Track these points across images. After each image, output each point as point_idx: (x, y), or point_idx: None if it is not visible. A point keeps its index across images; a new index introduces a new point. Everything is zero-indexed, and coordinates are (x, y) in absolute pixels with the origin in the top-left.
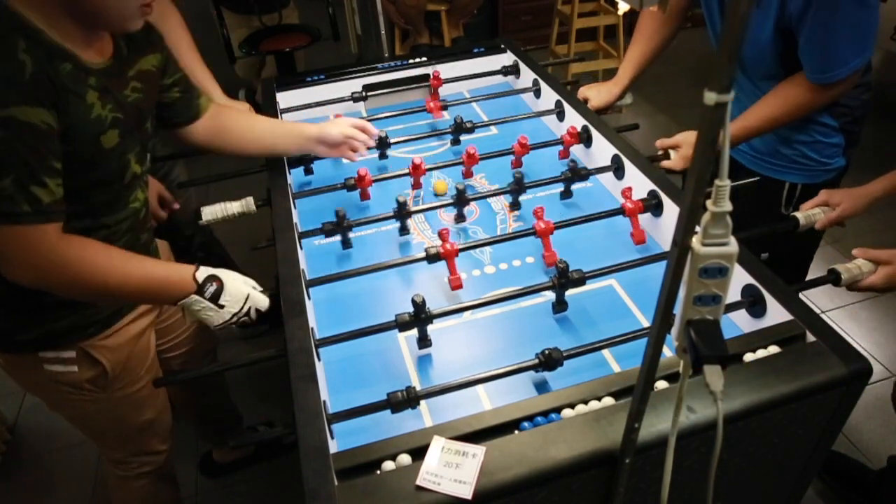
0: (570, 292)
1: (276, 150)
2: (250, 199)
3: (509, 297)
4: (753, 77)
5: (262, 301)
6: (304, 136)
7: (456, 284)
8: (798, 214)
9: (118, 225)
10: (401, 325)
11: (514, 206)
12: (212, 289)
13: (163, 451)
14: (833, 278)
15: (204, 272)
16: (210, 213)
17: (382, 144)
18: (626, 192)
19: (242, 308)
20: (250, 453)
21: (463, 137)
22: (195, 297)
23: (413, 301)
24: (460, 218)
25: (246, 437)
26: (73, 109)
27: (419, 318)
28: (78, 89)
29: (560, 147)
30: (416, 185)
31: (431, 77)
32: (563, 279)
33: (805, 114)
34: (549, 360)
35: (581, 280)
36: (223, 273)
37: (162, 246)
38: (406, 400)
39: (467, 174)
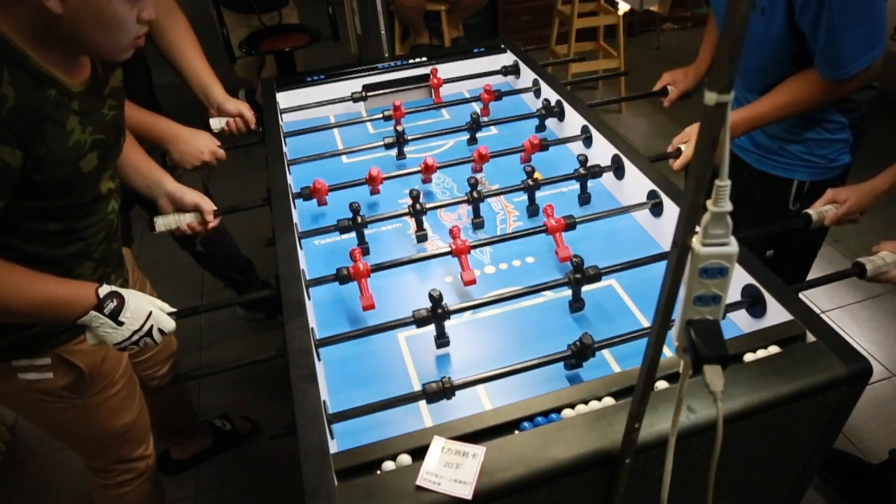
0: (569, 292)
1: (128, 181)
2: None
3: (525, 294)
4: (758, 88)
5: (167, 322)
6: (160, 185)
7: (469, 280)
8: (810, 211)
9: (94, 237)
10: (418, 320)
11: (531, 202)
12: (111, 305)
13: (144, 457)
14: (858, 271)
15: (106, 289)
16: (163, 223)
17: (400, 141)
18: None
19: (143, 326)
20: (207, 447)
21: (469, 136)
22: (94, 313)
23: (430, 295)
24: (478, 224)
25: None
26: (50, 139)
27: (436, 313)
28: (59, 117)
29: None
30: (426, 181)
31: (431, 77)
32: (579, 275)
33: (816, 107)
34: (582, 349)
35: (597, 276)
36: (127, 291)
37: (126, 253)
38: (442, 390)
39: (426, 181)
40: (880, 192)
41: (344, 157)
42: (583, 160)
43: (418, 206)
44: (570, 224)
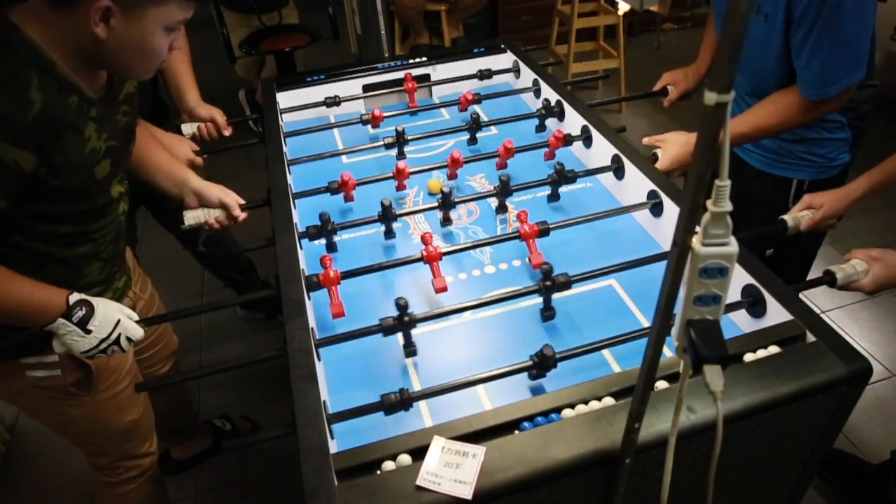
0: (570, 292)
1: (152, 181)
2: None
3: (494, 301)
4: (757, 92)
5: (135, 330)
6: (185, 183)
7: (440, 287)
8: (786, 217)
9: (104, 238)
10: (385, 329)
11: (501, 208)
12: (80, 313)
13: (149, 453)
14: (829, 279)
15: (76, 297)
16: (192, 217)
17: (400, 141)
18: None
19: (111, 335)
20: (208, 447)
21: (469, 136)
22: (61, 320)
23: (397, 303)
24: (447, 221)
25: (239, 440)
26: (68, 146)
27: (402, 321)
28: (79, 124)
29: (545, 149)
30: (400, 188)
31: (405, 81)
32: (549, 282)
33: (794, 127)
34: (543, 361)
35: (567, 284)
36: (97, 299)
37: (127, 252)
38: (400, 402)
39: (452, 176)
40: (855, 197)
41: (344, 157)
42: (559, 168)
43: (447, 193)
44: (543, 230)
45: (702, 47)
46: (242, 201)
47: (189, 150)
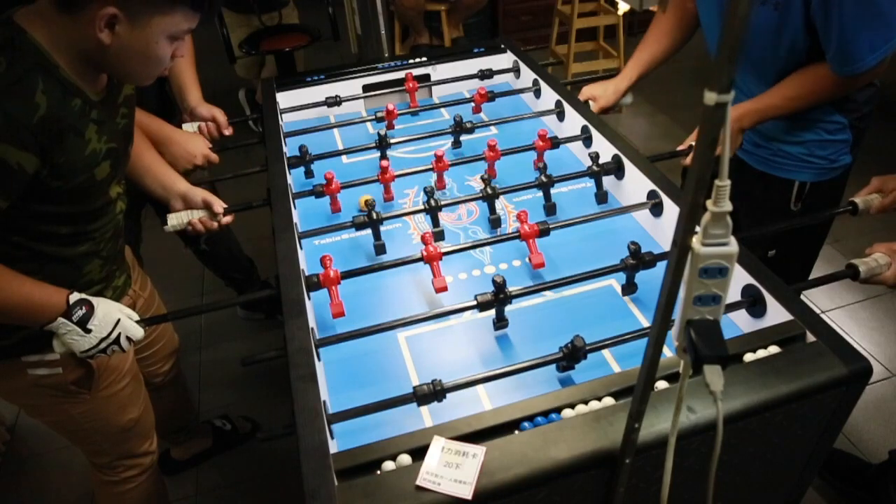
0: (570, 292)
1: (142, 183)
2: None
3: (576, 280)
4: (772, 80)
5: (135, 330)
6: (172, 186)
7: (440, 287)
8: (857, 199)
9: (102, 236)
10: (482, 304)
11: (494, 216)
12: (80, 313)
13: (149, 452)
14: (851, 273)
15: (76, 296)
16: (175, 219)
17: (383, 144)
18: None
19: (111, 334)
20: (208, 447)
21: (463, 138)
22: (62, 319)
23: (493, 281)
24: (436, 224)
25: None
26: (70, 148)
27: (499, 298)
28: (81, 126)
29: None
30: (388, 197)
31: (406, 81)
32: (634, 260)
33: (829, 100)
34: (574, 352)
35: (653, 262)
36: (97, 299)
37: (127, 251)
38: (433, 393)
39: (440, 181)
40: None
41: (344, 157)
42: (594, 156)
43: (432, 203)
44: (543, 230)
45: (632, 58)
46: (224, 205)
47: (204, 146)
